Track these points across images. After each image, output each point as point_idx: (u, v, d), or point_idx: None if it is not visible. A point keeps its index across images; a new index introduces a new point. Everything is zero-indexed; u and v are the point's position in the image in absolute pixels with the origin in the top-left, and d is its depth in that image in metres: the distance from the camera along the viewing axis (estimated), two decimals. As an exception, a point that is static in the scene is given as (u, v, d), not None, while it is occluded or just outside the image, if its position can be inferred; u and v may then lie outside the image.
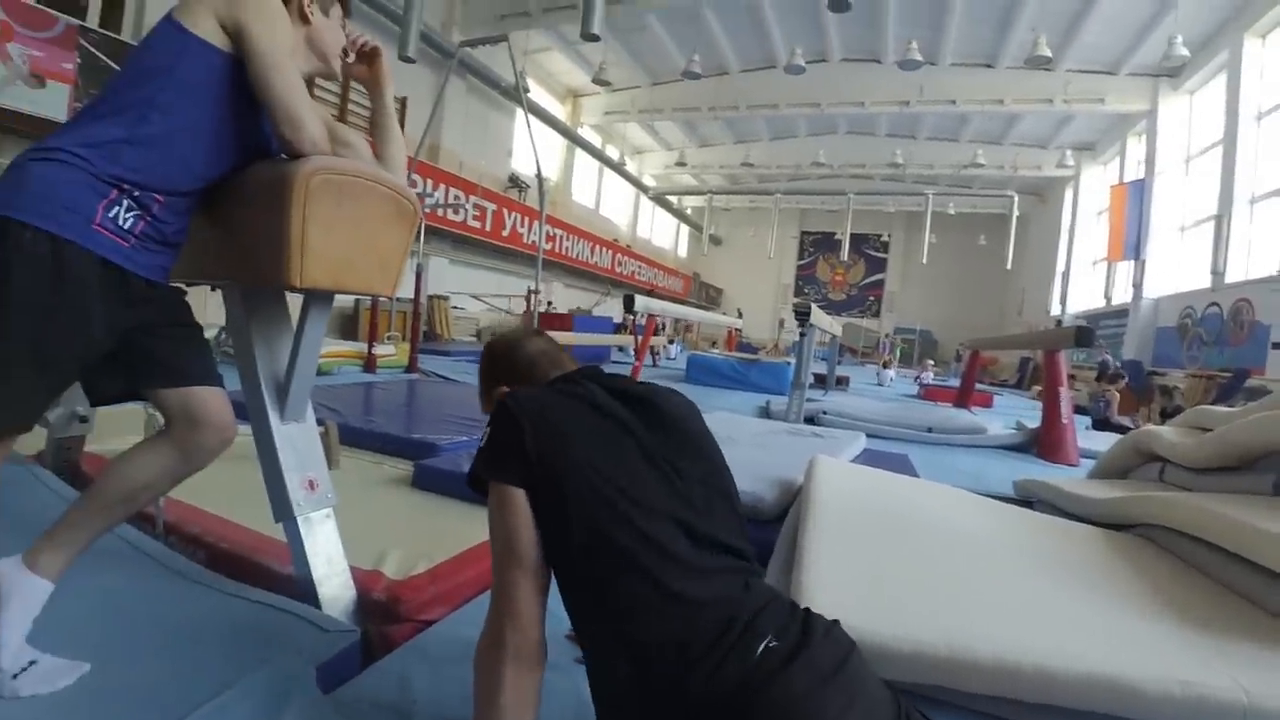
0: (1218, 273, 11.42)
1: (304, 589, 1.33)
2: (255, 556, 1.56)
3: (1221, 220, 11.47)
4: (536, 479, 0.86)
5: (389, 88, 1.42)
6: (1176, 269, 13.54)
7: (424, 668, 1.19)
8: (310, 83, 1.29)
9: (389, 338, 7.86)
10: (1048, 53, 10.53)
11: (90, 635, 1.15)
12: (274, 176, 1.15)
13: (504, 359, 1.13)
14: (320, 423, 1.51)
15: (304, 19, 1.27)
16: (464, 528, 1.85)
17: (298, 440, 1.37)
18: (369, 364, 6.32)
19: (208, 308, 3.01)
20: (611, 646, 0.81)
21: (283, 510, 1.33)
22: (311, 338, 1.34)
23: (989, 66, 14.59)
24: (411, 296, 6.95)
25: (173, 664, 1.10)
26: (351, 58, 1.37)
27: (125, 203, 1.08)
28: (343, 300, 7.37)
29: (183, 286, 1.34)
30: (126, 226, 1.09)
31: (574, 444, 0.88)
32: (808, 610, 0.86)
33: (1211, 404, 8.05)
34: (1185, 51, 10.35)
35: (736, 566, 0.87)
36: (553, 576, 0.88)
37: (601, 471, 0.86)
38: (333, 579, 1.35)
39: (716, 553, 0.86)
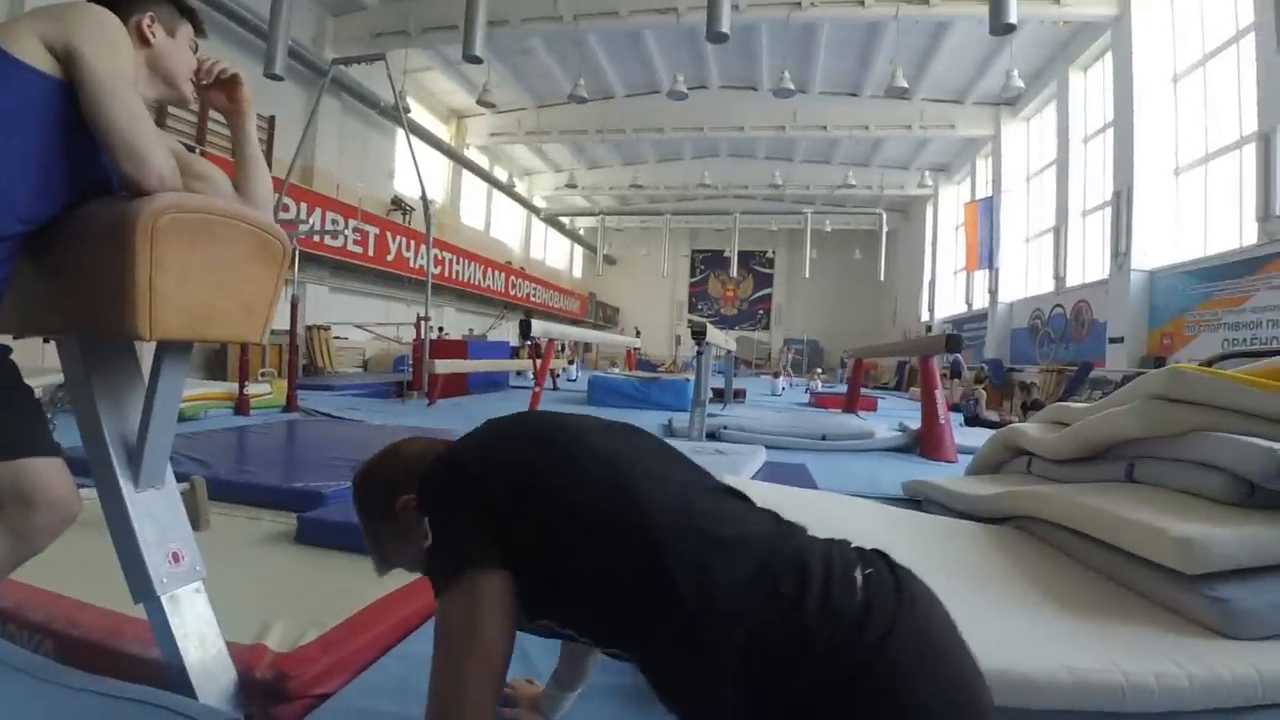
0: (1059, 278, 12.83)
1: (175, 676, 1.17)
2: (113, 642, 1.36)
3: (1059, 231, 12.91)
4: (531, 530, 0.76)
5: (251, 117, 1.28)
6: (1025, 275, 15.10)
7: (318, 752, 1.07)
8: (161, 110, 1.16)
9: (263, 375, 7.28)
10: (904, 84, 11.48)
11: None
12: (114, 217, 1.01)
13: (387, 469, 0.98)
14: (184, 479, 1.34)
15: (144, 41, 1.13)
16: (356, 585, 1.70)
17: (156, 508, 1.21)
18: (241, 406, 5.80)
19: (44, 356, 2.66)
20: (706, 628, 0.67)
21: (142, 590, 1.16)
22: (168, 392, 1.19)
23: (854, 95, 15.72)
24: (287, 329, 6.49)
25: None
26: (206, 82, 1.24)
27: None
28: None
29: (7, 343, 1.16)
30: None
31: (543, 463, 0.81)
32: (875, 550, 0.78)
33: (1062, 395, 8.95)
34: (1020, 83, 11.61)
35: (752, 507, 0.83)
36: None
37: (609, 461, 0.81)
38: (208, 661, 1.20)
39: (730, 498, 0.84)
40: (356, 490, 1.02)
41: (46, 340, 1.32)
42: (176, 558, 1.21)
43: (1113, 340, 10.40)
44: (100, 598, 1.50)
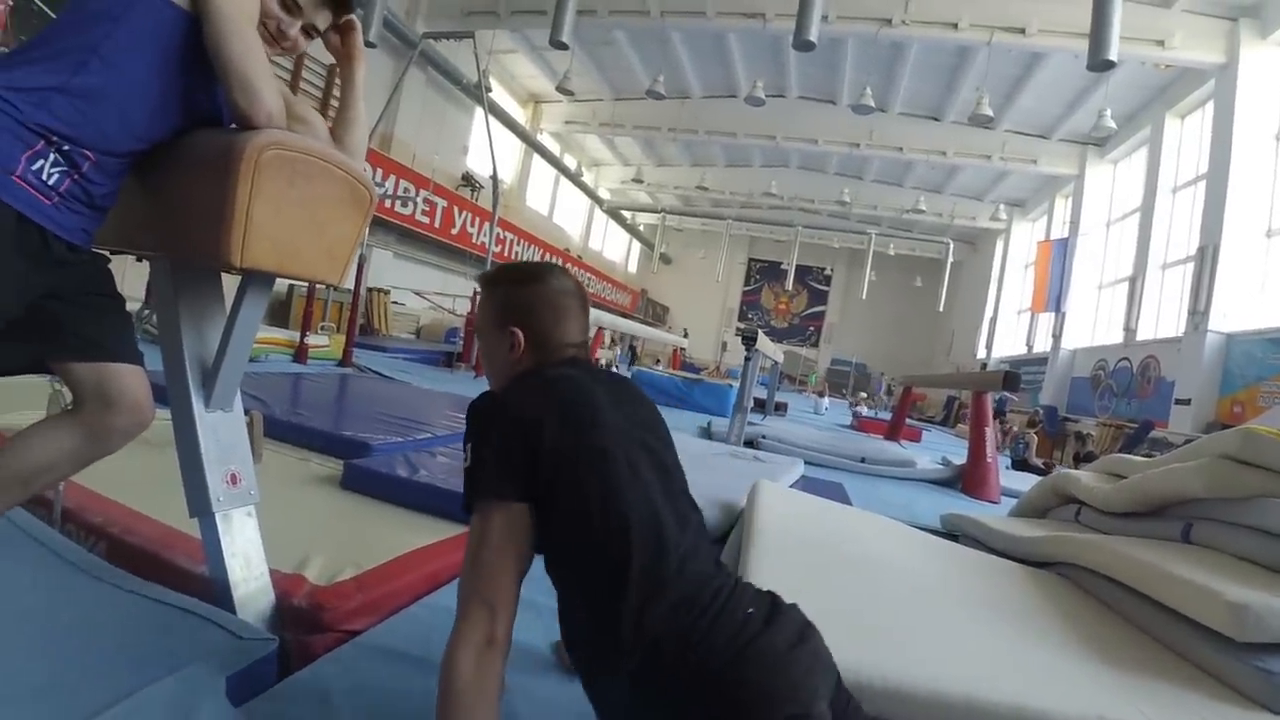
0: (1130, 330, 12.27)
1: (218, 591, 1.23)
2: (163, 552, 1.44)
3: (1135, 281, 12.35)
4: (539, 479, 0.86)
5: (362, 64, 1.33)
6: (1093, 323, 14.49)
7: (345, 681, 1.11)
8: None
9: (323, 328, 7.55)
10: (989, 112, 11.15)
11: (-33, 630, 1.03)
12: (222, 146, 1.07)
13: (533, 297, 1.02)
14: (245, 412, 1.41)
15: None
16: (395, 534, 1.76)
17: (222, 430, 1.27)
18: (300, 354, 6.04)
19: (126, 278, 2.81)
20: (616, 620, 0.82)
21: (200, 504, 1.23)
22: (247, 322, 1.25)
23: (935, 119, 15.35)
24: (351, 287, 6.70)
25: (66, 666, 0.99)
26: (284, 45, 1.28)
27: (52, 156, 0.99)
28: (276, 284, 7.05)
29: (106, 254, 1.24)
30: (51, 182, 0.99)
31: (584, 435, 0.89)
32: (770, 592, 0.93)
33: (1119, 451, 8.59)
34: (1112, 124, 11.14)
35: (709, 547, 0.94)
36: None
37: (611, 461, 0.89)
38: (250, 582, 1.25)
39: (694, 533, 0.93)
40: (501, 278, 1.06)
41: (139, 260, 1.40)
42: (234, 479, 1.27)
43: (1179, 401, 9.90)
44: (155, 511, 1.59)
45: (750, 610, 0.85)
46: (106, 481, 1.63)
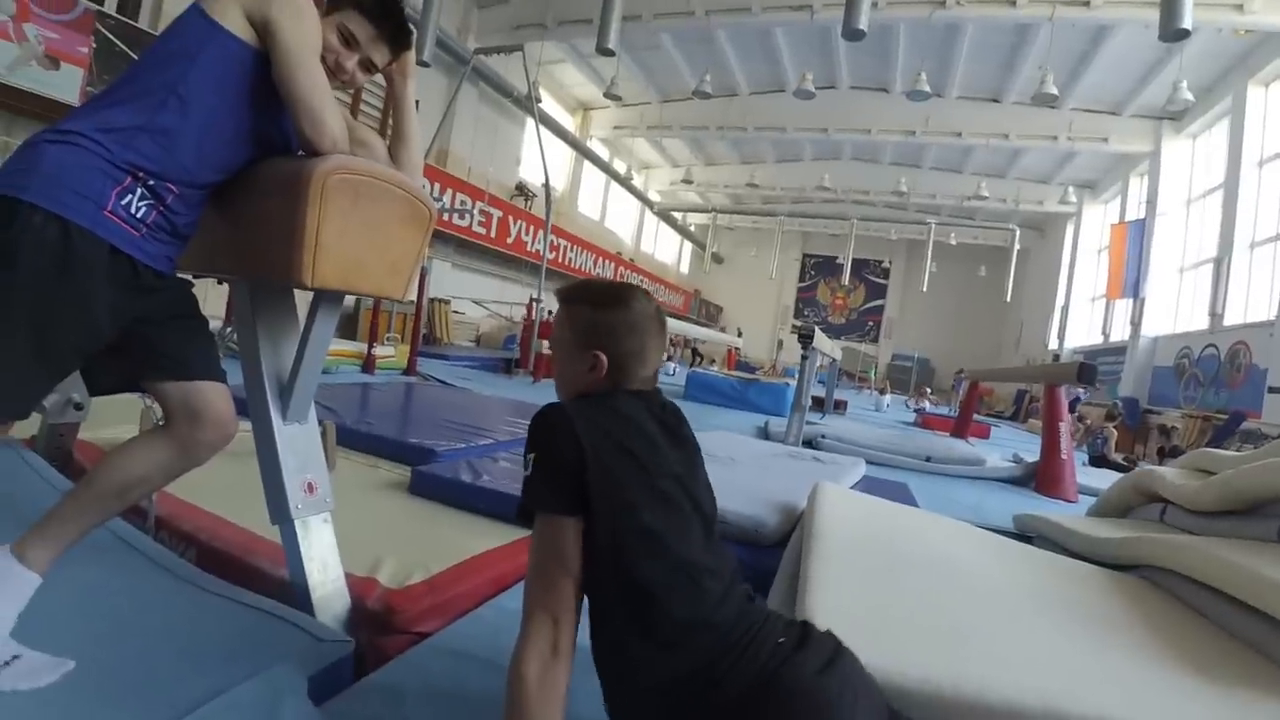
0: (1216, 315, 11.49)
1: (298, 594, 1.29)
2: (247, 557, 1.53)
3: (1221, 263, 11.56)
4: (592, 501, 0.88)
5: (412, 81, 1.38)
6: (1175, 309, 13.63)
7: (417, 682, 1.15)
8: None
9: (389, 339, 7.83)
10: (1054, 91, 10.64)
11: (75, 631, 1.12)
12: (291, 173, 1.14)
13: (618, 323, 1.01)
14: (319, 423, 1.48)
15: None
16: (461, 538, 1.81)
17: (299, 441, 1.34)
18: (368, 364, 6.29)
19: (208, 299, 2.99)
20: (642, 655, 0.84)
21: (280, 513, 1.30)
22: (319, 337, 1.32)
23: (995, 101, 14.75)
24: (414, 299, 6.93)
25: (160, 666, 1.06)
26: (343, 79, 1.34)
27: (139, 191, 1.06)
28: (345, 299, 7.34)
29: (189, 278, 1.32)
30: (139, 215, 1.07)
31: (634, 466, 0.92)
32: (804, 621, 0.94)
33: (1208, 445, 8.07)
34: (1189, 96, 10.48)
35: (741, 589, 0.94)
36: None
37: (655, 497, 0.91)
38: (327, 585, 1.32)
39: (725, 578, 0.92)
40: (615, 290, 1.05)
41: (220, 282, 1.49)
42: (311, 488, 1.34)
43: (1273, 390, 9.20)
44: (239, 518, 1.69)
45: (781, 640, 0.87)
46: (195, 491, 1.74)
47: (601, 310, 1.02)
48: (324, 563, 1.34)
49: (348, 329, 9.59)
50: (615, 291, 1.05)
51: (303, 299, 1.32)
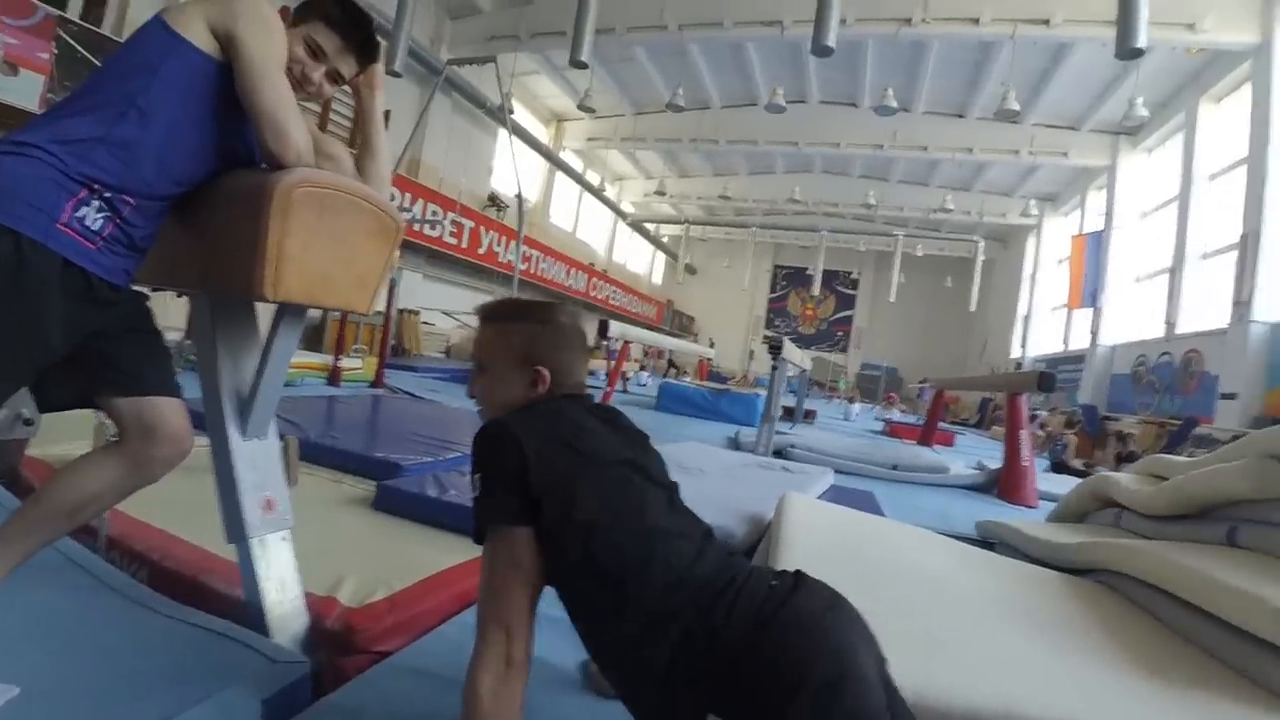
0: (1170, 323, 11.89)
1: (253, 615, 1.27)
2: (202, 577, 1.49)
3: (1175, 273, 11.98)
4: (544, 503, 0.89)
5: (379, 94, 1.38)
6: (1132, 318, 14.07)
7: (377, 702, 1.14)
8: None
9: (356, 351, 7.71)
10: (1016, 106, 10.95)
11: (21, 655, 1.08)
12: (254, 186, 1.12)
13: (556, 337, 1.06)
14: (280, 437, 1.45)
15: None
16: (426, 554, 1.79)
17: (258, 458, 1.32)
18: (333, 377, 6.18)
19: (168, 311, 2.92)
20: (641, 627, 0.84)
21: (236, 531, 1.27)
22: (281, 352, 1.30)
23: (960, 116, 15.14)
24: (382, 310, 6.84)
25: (110, 690, 1.03)
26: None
27: (95, 203, 1.04)
28: (312, 311, 7.21)
29: (146, 292, 1.30)
30: (95, 228, 1.05)
31: (583, 458, 0.93)
32: (798, 570, 0.93)
33: (1163, 450, 8.32)
34: (1145, 112, 10.86)
35: (716, 545, 0.96)
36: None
37: (609, 480, 0.93)
38: (284, 605, 1.29)
39: (696, 539, 0.94)
40: (548, 310, 1.08)
41: (179, 295, 1.46)
42: (270, 505, 1.32)
43: (1224, 396, 9.54)
44: (194, 536, 1.64)
45: (774, 582, 0.87)
46: (148, 508, 1.69)
47: (540, 326, 1.05)
48: (281, 581, 1.31)
49: (313, 340, 9.41)
50: (548, 307, 1.09)
51: (265, 312, 1.31)
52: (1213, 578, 1.60)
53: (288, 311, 1.28)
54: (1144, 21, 7.03)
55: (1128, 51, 7.23)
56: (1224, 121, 11.54)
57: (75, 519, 1.17)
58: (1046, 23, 10.05)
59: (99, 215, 1.05)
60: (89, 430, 1.79)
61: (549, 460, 0.90)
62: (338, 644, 1.32)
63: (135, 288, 1.22)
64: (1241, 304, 9.37)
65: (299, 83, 1.22)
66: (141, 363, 1.19)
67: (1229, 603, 1.50)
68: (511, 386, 1.04)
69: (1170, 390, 11.54)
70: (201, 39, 1.10)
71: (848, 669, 0.77)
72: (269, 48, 1.12)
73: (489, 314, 1.08)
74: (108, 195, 1.05)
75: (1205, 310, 11.32)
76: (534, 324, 1.06)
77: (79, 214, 1.03)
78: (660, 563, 0.86)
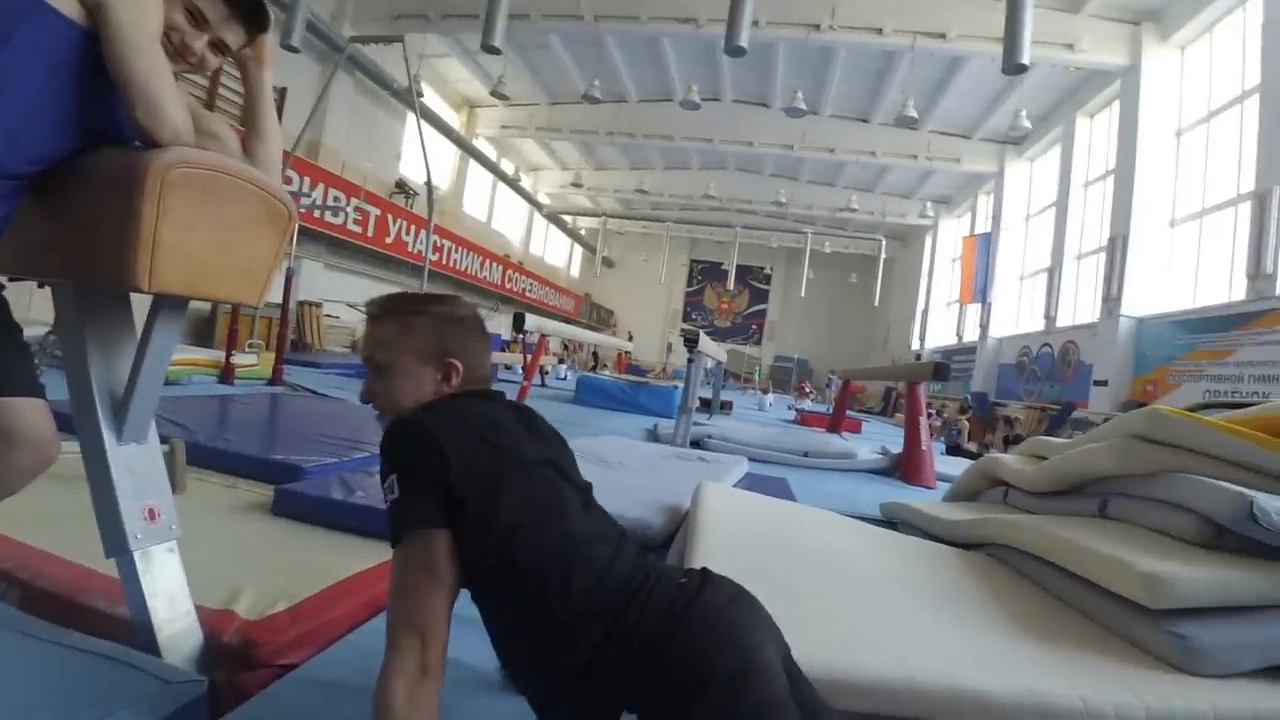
0: (1050, 317, 12.97)
1: (141, 634, 1.16)
2: (81, 596, 1.35)
3: (1053, 272, 13.07)
4: (467, 504, 0.86)
5: (269, 69, 1.27)
6: (1017, 313, 15.26)
7: (279, 718, 1.07)
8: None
9: (251, 346, 7.24)
10: (914, 114, 11.61)
11: None
12: (125, 165, 1.01)
13: (462, 329, 1.03)
14: (164, 441, 1.34)
15: None
16: (331, 560, 1.70)
17: (136, 464, 1.21)
18: (226, 374, 5.77)
19: (31, 303, 2.64)
20: (556, 627, 0.83)
21: (116, 544, 1.16)
22: (159, 348, 1.19)
23: (864, 121, 15.87)
24: (279, 302, 6.45)
25: (-26, 727, 0.92)
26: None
27: None
28: (199, 303, 6.71)
29: (2, 281, 1.16)
30: None
31: (505, 457, 0.91)
32: (704, 568, 0.95)
33: (1045, 433, 9.05)
34: (1028, 124, 11.77)
35: (630, 547, 0.96)
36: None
37: (532, 480, 0.92)
38: (175, 622, 1.19)
39: (611, 541, 0.94)
40: (450, 304, 1.05)
41: (41, 285, 1.31)
42: (153, 514, 1.21)
43: (1097, 383, 10.52)
44: (70, 551, 1.49)
45: (683, 580, 0.89)
46: (14, 522, 1.53)
47: (445, 317, 1.02)
48: (170, 597, 1.21)
49: (203, 335, 8.77)
50: (449, 299, 1.06)
51: (140, 303, 1.19)
52: (1087, 547, 1.75)
53: (165, 303, 1.17)
54: (1028, 40, 7.60)
55: (1014, 67, 7.78)
56: (1097, 134, 12.66)
57: (-81, 538, 1.04)
58: (943, 36, 10.68)
59: None
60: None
61: (471, 459, 0.87)
62: (237, 660, 1.23)
63: (-12, 277, 1.10)
64: (1111, 300, 10.33)
65: (178, 53, 1.11)
66: (-4, 360, 1.07)
67: (1102, 569, 1.65)
68: (420, 383, 0.99)
69: (1051, 378, 12.59)
70: (65, 3, 0.98)
71: (751, 661, 0.80)
72: (141, 14, 1.01)
73: (386, 308, 1.03)
74: None
75: (1080, 305, 12.41)
76: (438, 316, 1.02)
77: None
78: (581, 565, 0.86)
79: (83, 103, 1.04)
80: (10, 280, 1.21)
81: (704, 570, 0.93)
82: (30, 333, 1.19)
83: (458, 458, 0.87)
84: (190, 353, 5.95)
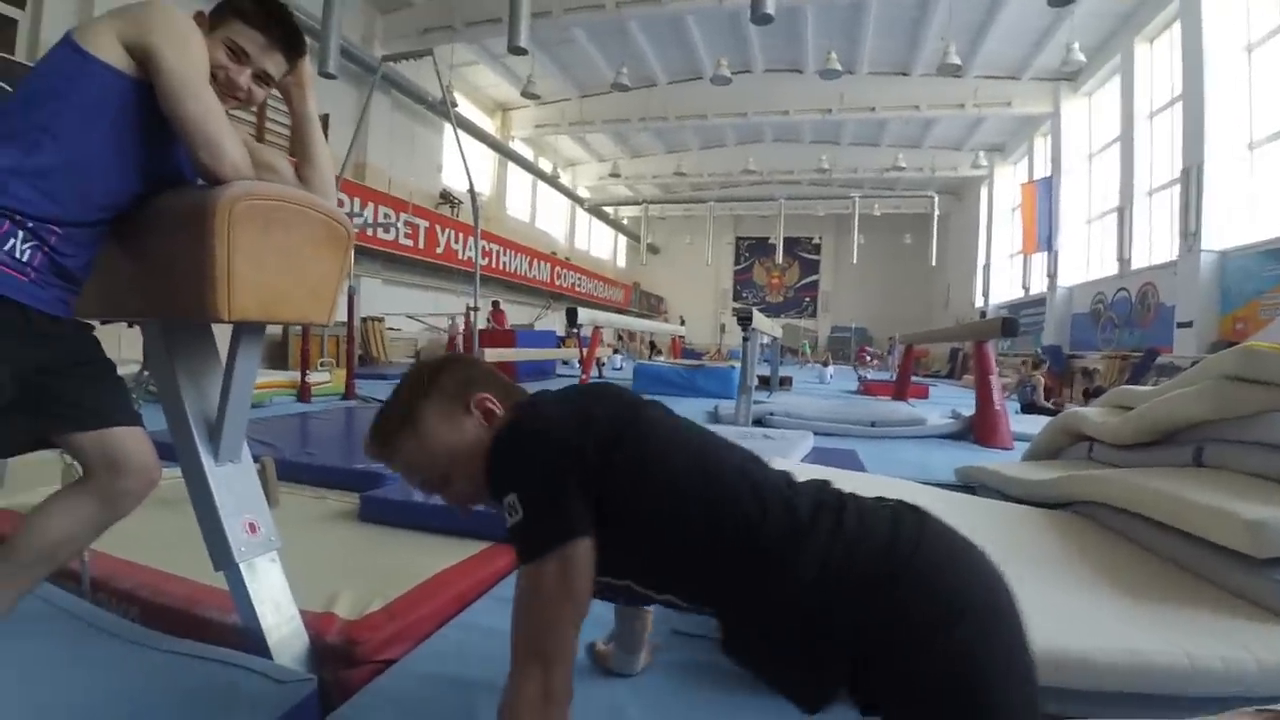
0: (1124, 260, 12.25)
1: (252, 639, 1.25)
2: (195, 609, 1.46)
3: (1123, 212, 12.31)
4: (628, 485, 0.81)
5: (311, 93, 1.31)
6: (1087, 258, 14.46)
7: (387, 712, 1.13)
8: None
9: (323, 364, 7.57)
10: (957, 60, 11.09)
11: (16, 710, 1.05)
12: (194, 204, 1.08)
13: (450, 373, 0.94)
14: (255, 459, 1.42)
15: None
16: (417, 559, 1.78)
17: (234, 482, 1.29)
18: (303, 393, 6.06)
19: (121, 345, 2.83)
20: (783, 561, 0.77)
21: (223, 558, 1.24)
22: (244, 372, 1.27)
23: (904, 74, 15.26)
24: (345, 320, 6.71)
25: (111, 733, 1.01)
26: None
27: (20, 234, 1.00)
28: (271, 327, 7.04)
29: (91, 323, 1.25)
30: (24, 259, 1.01)
31: (625, 409, 0.87)
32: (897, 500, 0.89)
33: (1127, 383, 8.59)
34: (1082, 57, 11.09)
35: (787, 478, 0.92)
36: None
37: (664, 416, 0.89)
38: (282, 626, 1.27)
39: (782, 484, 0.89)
40: (421, 366, 0.97)
41: (130, 325, 1.41)
42: (253, 528, 1.29)
43: (1181, 325, 9.89)
44: (181, 569, 1.61)
45: (885, 504, 0.84)
46: (131, 546, 1.65)
47: (428, 385, 0.93)
48: (276, 603, 1.29)
49: (277, 358, 9.22)
50: (412, 372, 0.98)
51: (221, 332, 1.27)
52: (1183, 497, 1.67)
53: (245, 330, 1.24)
54: (1074, -35, 7.15)
55: (1060, -3, 7.34)
56: (1159, 60, 11.82)
57: (53, 562, 1.14)
58: (980, -28, 10.15)
59: (26, 245, 1.01)
60: (57, 474, 1.73)
61: (593, 422, 0.82)
62: (341, 658, 1.31)
63: (81, 320, 1.18)
64: (1189, 235, 9.68)
65: (225, 90, 1.16)
66: (97, 395, 1.15)
67: (1201, 520, 1.57)
68: (470, 439, 0.89)
69: (1130, 324, 11.91)
70: (115, 56, 1.04)
71: (1000, 598, 0.76)
72: (188, 57, 1.06)
73: (382, 438, 0.93)
74: (30, 225, 1.01)
75: (1156, 244, 11.67)
76: (420, 389, 0.92)
77: (6, 246, 0.99)
78: (768, 489, 0.81)
79: (143, 149, 1.11)
80: (101, 324, 1.31)
81: (906, 503, 0.86)
82: (124, 370, 1.28)
83: (579, 433, 0.81)
84: (268, 375, 6.28)
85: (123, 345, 2.39)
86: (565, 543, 0.77)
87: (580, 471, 0.80)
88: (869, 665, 0.73)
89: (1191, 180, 9.63)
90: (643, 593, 0.87)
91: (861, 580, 0.74)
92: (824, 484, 0.88)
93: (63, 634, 1.30)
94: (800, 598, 0.75)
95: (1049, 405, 7.65)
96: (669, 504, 0.81)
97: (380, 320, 11.77)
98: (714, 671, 1.25)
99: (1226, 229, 9.37)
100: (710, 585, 0.82)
